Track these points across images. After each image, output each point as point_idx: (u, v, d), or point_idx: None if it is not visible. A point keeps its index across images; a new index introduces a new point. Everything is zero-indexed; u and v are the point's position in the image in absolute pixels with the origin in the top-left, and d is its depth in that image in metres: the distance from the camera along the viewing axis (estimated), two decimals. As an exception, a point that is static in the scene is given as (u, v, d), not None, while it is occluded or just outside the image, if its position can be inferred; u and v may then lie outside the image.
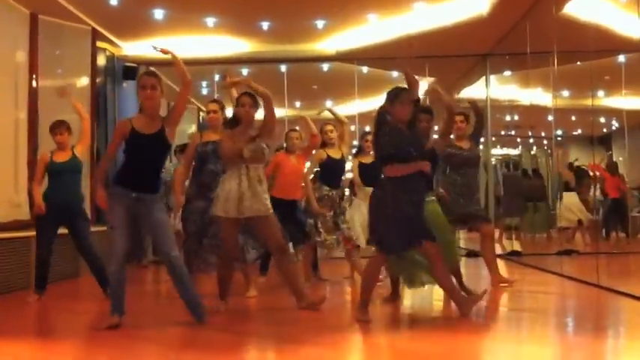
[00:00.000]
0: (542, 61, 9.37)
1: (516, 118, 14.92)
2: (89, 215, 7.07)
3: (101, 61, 9.78)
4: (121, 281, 4.55)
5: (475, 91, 12.73)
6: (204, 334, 4.41)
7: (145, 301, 6.39)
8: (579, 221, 11.25)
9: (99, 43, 9.44)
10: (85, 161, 6.76)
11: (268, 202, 5.16)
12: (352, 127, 11.87)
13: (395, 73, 12.08)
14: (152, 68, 10.90)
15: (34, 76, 8.09)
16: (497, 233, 10.47)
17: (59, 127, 6.35)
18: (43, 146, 8.03)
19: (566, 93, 12.59)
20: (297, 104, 12.76)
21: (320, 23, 9.24)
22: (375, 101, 13.42)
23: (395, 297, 5.73)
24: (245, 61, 10.76)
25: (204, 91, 13.12)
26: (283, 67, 11.14)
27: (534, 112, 13.44)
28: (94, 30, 9.02)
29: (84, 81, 9.11)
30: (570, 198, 11.31)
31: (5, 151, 7.61)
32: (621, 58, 10.67)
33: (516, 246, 11.03)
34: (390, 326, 4.83)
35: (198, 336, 4.36)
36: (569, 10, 8.24)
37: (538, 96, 12.92)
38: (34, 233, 6.58)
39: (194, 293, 4.70)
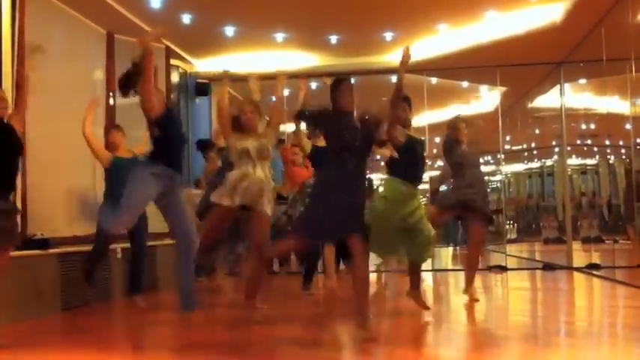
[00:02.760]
0: (618, 68, 9.08)
1: (592, 126, 14.53)
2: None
3: (174, 78, 10.03)
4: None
5: (549, 99, 12.49)
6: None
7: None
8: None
9: (172, 61, 9.69)
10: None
11: (270, 204, 5.25)
12: (423, 138, 11.82)
13: (465, 83, 11.96)
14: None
15: (110, 94, 8.36)
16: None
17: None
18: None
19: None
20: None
21: (388, 35, 9.22)
22: (445, 112, 13.38)
23: (415, 290, 5.63)
24: (314, 74, 10.82)
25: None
26: (352, 80, 11.11)
27: (611, 120, 13.06)
28: (167, 48, 9.26)
29: (158, 98, 9.33)
30: None
31: (85, 167, 7.85)
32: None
33: (595, 258, 10.66)
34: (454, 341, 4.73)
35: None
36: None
37: (615, 104, 12.54)
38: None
39: (191, 282, 5.33)
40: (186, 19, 8.26)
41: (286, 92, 11.64)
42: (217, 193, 5.16)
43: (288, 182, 7.52)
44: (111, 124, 6.67)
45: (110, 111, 8.33)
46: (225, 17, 8.50)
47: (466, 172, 6.13)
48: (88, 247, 6.47)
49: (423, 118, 11.22)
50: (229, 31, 8.81)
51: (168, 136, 5.26)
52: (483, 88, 12.52)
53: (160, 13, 7.99)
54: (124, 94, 5.46)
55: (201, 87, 10.64)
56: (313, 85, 11.46)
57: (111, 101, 8.36)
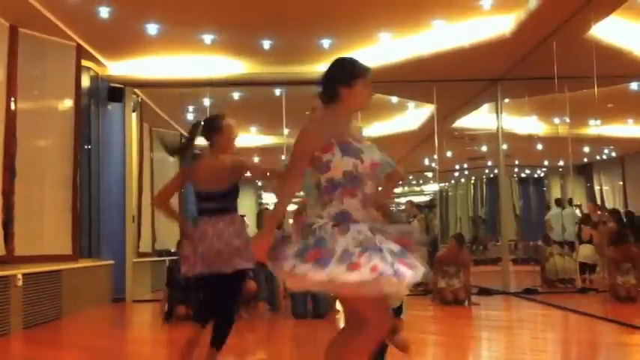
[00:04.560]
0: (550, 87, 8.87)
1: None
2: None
3: (85, 81, 8.95)
4: None
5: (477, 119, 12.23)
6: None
7: None
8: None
9: (83, 62, 8.62)
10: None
11: None
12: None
13: (394, 99, 11.45)
14: (137, 90, 10.16)
15: (11, 98, 7.22)
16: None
17: None
18: (20, 173, 7.20)
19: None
20: (296, 130, 12.05)
21: (326, 42, 8.52)
22: (379, 127, 12.87)
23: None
24: (239, 83, 10.02)
25: (190, 117, 12.33)
26: (278, 91, 10.41)
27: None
28: (78, 46, 8.20)
29: (67, 103, 8.27)
30: None
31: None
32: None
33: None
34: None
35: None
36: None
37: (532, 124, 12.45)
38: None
39: None
40: (103, 12, 7.24)
41: (207, 102, 10.83)
42: None
43: None
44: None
45: (11, 116, 7.19)
46: (148, 13, 7.54)
47: None
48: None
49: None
50: (152, 29, 7.83)
51: None
52: (410, 105, 12.09)
53: (73, 5, 6.97)
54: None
55: (115, 92, 9.59)
56: (236, 95, 10.71)
57: (12, 105, 7.22)
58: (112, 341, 6.54)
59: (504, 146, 10.54)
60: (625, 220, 11.12)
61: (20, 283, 6.66)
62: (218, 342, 4.22)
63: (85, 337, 6.75)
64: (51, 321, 7.26)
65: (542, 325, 7.17)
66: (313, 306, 7.36)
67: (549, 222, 12.32)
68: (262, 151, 13.52)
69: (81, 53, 8.31)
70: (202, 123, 4.52)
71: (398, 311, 6.05)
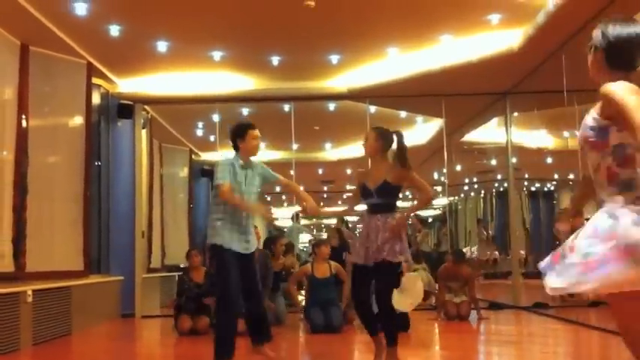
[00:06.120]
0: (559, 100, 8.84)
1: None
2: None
3: (95, 98, 9.01)
4: None
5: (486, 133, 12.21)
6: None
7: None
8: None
9: (94, 79, 8.67)
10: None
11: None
12: (362, 170, 11.22)
13: (403, 113, 11.45)
14: (147, 107, 10.21)
15: (23, 116, 7.28)
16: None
17: None
18: (32, 191, 7.24)
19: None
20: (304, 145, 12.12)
21: (334, 58, 8.55)
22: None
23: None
24: (248, 99, 10.07)
25: (200, 132, 12.40)
26: (287, 107, 10.45)
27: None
28: (89, 64, 8.26)
29: (77, 120, 8.32)
30: None
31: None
32: None
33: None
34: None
35: None
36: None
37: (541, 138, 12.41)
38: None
39: None
40: (114, 31, 7.30)
41: (216, 118, 10.87)
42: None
43: None
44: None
45: (22, 134, 7.24)
46: (158, 30, 7.59)
47: None
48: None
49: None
50: (162, 46, 7.88)
51: None
52: (420, 119, 12.09)
53: (84, 23, 7.02)
54: None
55: (125, 109, 9.65)
56: (245, 110, 10.76)
57: (23, 123, 7.27)
58: (121, 357, 6.55)
59: (514, 160, 10.51)
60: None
61: (30, 299, 6.67)
62: None
63: (95, 354, 6.75)
64: (60, 337, 7.26)
65: (553, 339, 7.11)
66: (327, 320, 7.39)
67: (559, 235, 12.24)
68: (271, 165, 13.41)
69: (91, 71, 8.36)
70: None
71: (404, 325, 6.14)
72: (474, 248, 17.10)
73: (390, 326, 4.82)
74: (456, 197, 19.59)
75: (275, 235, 9.15)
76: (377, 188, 4.89)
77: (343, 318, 7.61)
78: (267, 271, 7.74)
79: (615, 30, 2.51)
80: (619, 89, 2.31)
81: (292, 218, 15.35)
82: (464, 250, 14.24)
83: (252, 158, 5.27)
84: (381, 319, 4.84)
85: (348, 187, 17.83)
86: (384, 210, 4.89)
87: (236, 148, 5.19)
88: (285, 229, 17.06)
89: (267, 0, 6.76)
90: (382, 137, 5.04)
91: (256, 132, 5.21)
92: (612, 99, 2.32)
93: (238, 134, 5.16)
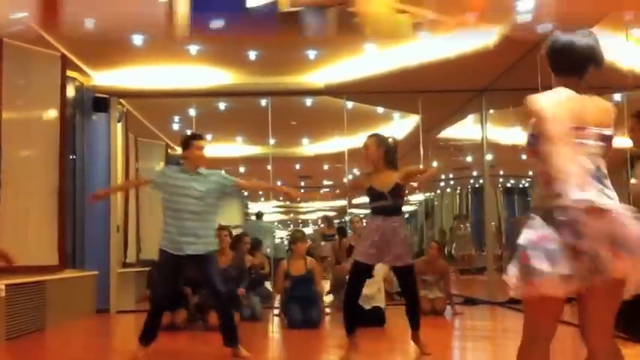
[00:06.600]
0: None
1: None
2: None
3: (70, 91, 8.92)
4: None
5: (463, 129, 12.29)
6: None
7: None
8: None
9: (68, 72, 8.59)
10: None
11: None
12: (340, 165, 11.27)
13: (380, 109, 11.49)
14: (122, 100, 10.13)
15: (-4, 108, 7.19)
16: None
17: None
18: (5, 185, 7.16)
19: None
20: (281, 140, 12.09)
21: (312, 53, 8.56)
22: (364, 138, 12.81)
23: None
24: (224, 94, 10.04)
25: (176, 127, 12.32)
26: (264, 101, 10.44)
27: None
28: (63, 56, 8.17)
29: (52, 113, 8.23)
30: None
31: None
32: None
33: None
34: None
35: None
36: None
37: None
38: None
39: None
40: (89, 23, 7.23)
41: (193, 112, 10.82)
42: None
43: None
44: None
45: (-5, 127, 7.15)
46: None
47: None
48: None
49: (342, 144, 10.62)
50: (138, 39, 7.84)
51: None
52: (396, 115, 12.13)
53: (59, 15, 6.93)
54: None
55: (100, 102, 9.57)
56: (222, 105, 10.72)
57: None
58: (96, 353, 6.51)
59: (489, 156, 10.60)
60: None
61: (3, 293, 6.60)
62: None
63: (69, 349, 6.70)
64: (34, 332, 7.20)
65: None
66: (305, 315, 7.40)
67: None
68: (248, 161, 13.52)
69: (66, 63, 8.28)
70: None
71: (380, 320, 6.40)
72: (453, 245, 17.27)
73: (418, 314, 5.43)
74: (432, 193, 19.71)
75: (239, 235, 9.14)
76: (391, 191, 5.16)
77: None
78: (242, 273, 7.79)
79: (554, 38, 2.74)
80: (535, 101, 2.48)
81: (257, 216, 15.13)
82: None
83: (210, 169, 5.61)
84: (410, 309, 5.41)
85: (326, 182, 17.87)
86: (398, 212, 5.26)
87: (183, 157, 5.60)
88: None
89: (244, -6, 6.74)
90: (382, 143, 5.34)
91: (201, 143, 5.57)
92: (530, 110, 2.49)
93: (184, 144, 5.57)
